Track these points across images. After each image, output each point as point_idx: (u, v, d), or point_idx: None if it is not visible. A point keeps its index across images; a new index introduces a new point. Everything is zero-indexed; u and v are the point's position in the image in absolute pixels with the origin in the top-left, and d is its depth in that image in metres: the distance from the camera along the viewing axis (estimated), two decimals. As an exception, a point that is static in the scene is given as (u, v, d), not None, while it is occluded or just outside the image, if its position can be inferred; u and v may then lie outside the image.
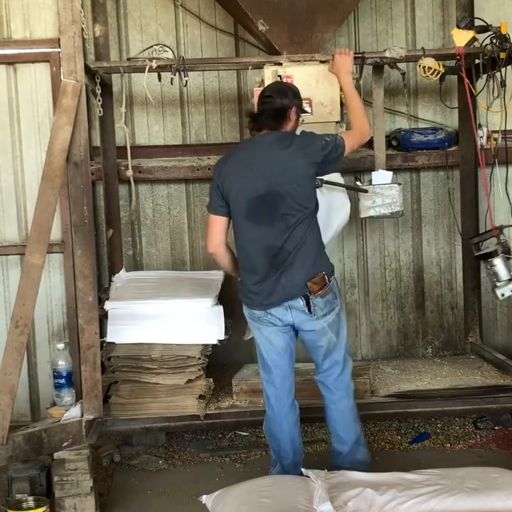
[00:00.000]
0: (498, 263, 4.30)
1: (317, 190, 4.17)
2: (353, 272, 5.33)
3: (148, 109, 5.15)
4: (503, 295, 4.31)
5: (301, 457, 3.79)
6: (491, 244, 4.37)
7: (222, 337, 4.26)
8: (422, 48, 4.49)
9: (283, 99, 3.65)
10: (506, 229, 4.51)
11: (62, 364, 3.91)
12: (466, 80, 4.36)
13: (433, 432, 4.66)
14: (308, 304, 3.54)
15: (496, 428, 4.67)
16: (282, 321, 3.61)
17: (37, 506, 3.59)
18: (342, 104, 4.17)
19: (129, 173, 4.67)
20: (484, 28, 4.32)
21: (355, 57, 4.38)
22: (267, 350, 3.71)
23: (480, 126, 4.68)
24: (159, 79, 4.53)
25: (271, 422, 3.76)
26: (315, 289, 3.52)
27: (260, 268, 3.58)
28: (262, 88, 4.20)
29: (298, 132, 3.72)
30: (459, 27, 4.38)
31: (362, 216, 4.37)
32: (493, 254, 4.32)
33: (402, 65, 4.49)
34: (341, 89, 4.13)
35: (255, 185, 3.55)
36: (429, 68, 4.27)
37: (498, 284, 4.31)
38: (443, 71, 4.30)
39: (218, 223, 3.68)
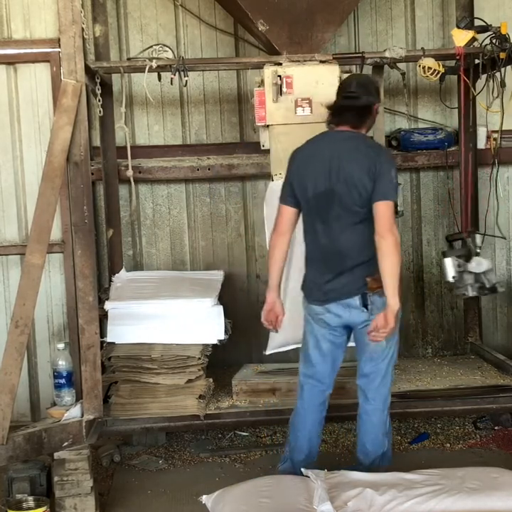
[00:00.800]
0: (447, 263, 4.33)
1: None
2: (353, 272, 5.32)
3: (148, 109, 5.14)
4: (456, 295, 4.39)
5: (314, 459, 3.75)
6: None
7: (222, 337, 4.26)
8: (422, 48, 4.49)
9: (368, 96, 3.55)
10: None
11: (63, 364, 3.91)
12: (465, 80, 4.37)
13: (433, 432, 4.66)
14: (365, 301, 3.48)
15: (496, 428, 4.67)
16: (340, 318, 3.56)
17: (37, 506, 3.58)
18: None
19: (129, 173, 4.67)
20: (484, 28, 4.32)
21: (354, 57, 4.39)
22: (313, 348, 3.69)
23: (475, 126, 4.72)
24: (159, 79, 4.53)
25: (297, 414, 3.73)
26: (373, 285, 3.44)
27: (320, 265, 3.57)
28: (262, 88, 4.22)
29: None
30: (458, 27, 4.39)
31: (362, 216, 4.37)
32: (445, 254, 4.37)
33: (402, 65, 4.49)
34: None
35: (319, 182, 3.51)
36: (429, 68, 4.28)
37: (453, 283, 4.36)
38: (443, 71, 4.31)
39: (283, 213, 3.64)
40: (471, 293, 4.28)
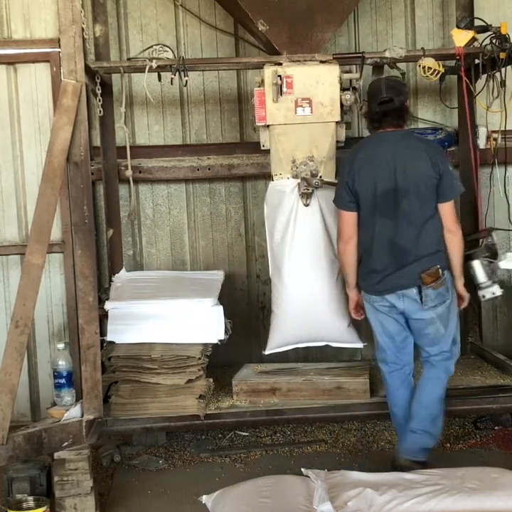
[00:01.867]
0: (476, 265, 4.26)
1: (314, 192, 4.19)
2: (353, 272, 5.31)
3: (148, 109, 5.14)
4: (484, 297, 4.29)
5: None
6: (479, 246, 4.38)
7: (222, 337, 4.26)
8: (422, 48, 4.49)
9: (399, 97, 3.77)
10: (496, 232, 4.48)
11: (63, 364, 3.91)
12: (465, 80, 4.36)
13: (433, 432, 4.65)
14: (420, 293, 3.72)
15: (496, 428, 4.67)
16: (396, 308, 3.78)
17: (37, 506, 3.58)
18: (342, 104, 4.18)
19: (128, 173, 4.68)
20: (484, 28, 4.32)
21: (354, 57, 4.39)
22: (380, 333, 3.92)
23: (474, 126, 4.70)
24: (159, 79, 4.53)
25: (387, 391, 4.00)
26: (428, 280, 3.70)
27: (381, 260, 3.76)
28: (262, 88, 4.21)
29: None
30: (458, 27, 4.39)
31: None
32: (472, 256, 4.28)
33: (402, 65, 4.49)
34: (342, 89, 4.20)
35: (383, 182, 3.69)
36: (429, 68, 4.27)
37: (480, 285, 4.27)
38: (443, 71, 4.31)
39: (346, 219, 3.82)
40: (498, 292, 4.26)
